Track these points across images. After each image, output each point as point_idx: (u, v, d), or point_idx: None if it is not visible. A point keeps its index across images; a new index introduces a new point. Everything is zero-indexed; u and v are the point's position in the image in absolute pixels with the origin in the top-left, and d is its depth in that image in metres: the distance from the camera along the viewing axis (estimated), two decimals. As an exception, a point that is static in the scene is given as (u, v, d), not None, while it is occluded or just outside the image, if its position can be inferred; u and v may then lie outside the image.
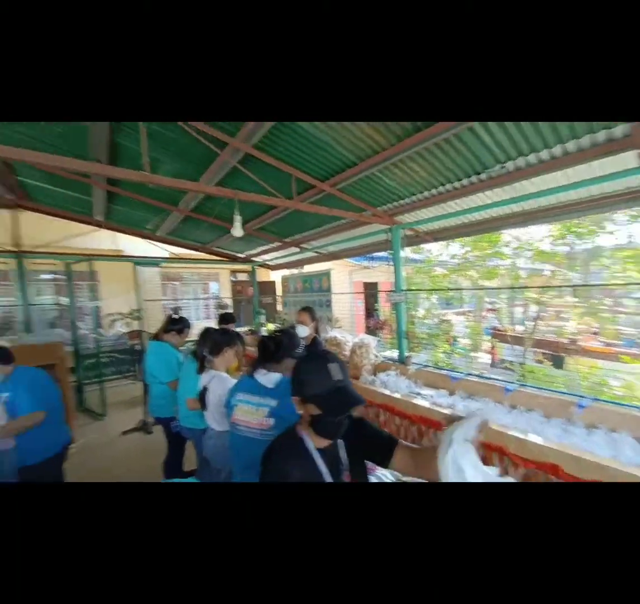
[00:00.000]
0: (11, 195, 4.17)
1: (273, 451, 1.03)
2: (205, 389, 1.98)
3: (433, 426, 2.22)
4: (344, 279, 8.57)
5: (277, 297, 7.82)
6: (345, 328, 4.51)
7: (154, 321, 5.97)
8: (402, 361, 3.61)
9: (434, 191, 2.87)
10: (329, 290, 4.73)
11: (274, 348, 1.57)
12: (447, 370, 3.31)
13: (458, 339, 6.62)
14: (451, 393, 2.74)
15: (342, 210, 3.28)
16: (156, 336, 2.64)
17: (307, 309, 2.70)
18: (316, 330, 2.69)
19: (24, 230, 4.62)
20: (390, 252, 3.95)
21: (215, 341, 2.06)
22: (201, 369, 2.09)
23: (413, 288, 6.14)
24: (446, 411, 2.21)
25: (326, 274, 4.87)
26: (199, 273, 8.53)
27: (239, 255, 7.26)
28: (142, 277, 6.11)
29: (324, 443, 0.99)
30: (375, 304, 6.76)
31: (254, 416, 1.46)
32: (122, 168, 2.36)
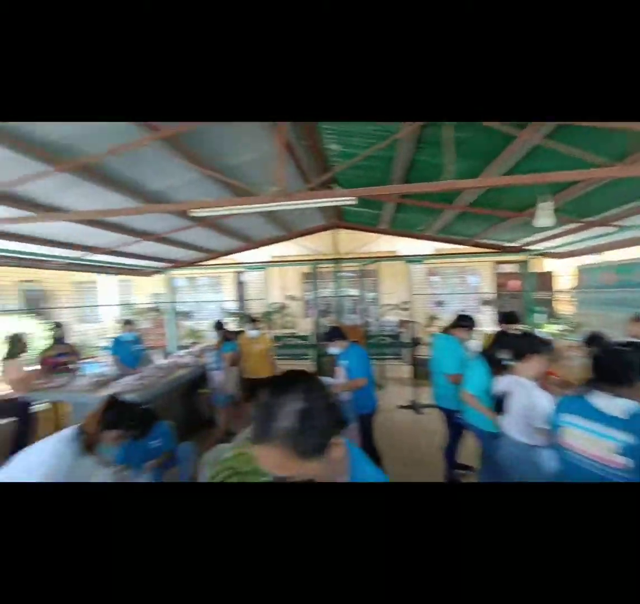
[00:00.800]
0: (334, 219, 5.91)
1: None
2: (504, 394, 1.93)
3: None
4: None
5: (555, 292, 6.36)
6: None
7: (419, 313, 6.59)
8: None
9: None
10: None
11: (619, 367, 1.28)
12: None
13: None
14: None
15: None
16: (446, 330, 2.87)
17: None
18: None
19: (339, 243, 6.49)
20: None
21: (517, 345, 1.95)
22: (497, 371, 2.06)
23: None
24: None
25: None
26: (458, 267, 8.45)
27: (509, 244, 6.48)
28: (411, 273, 6.87)
29: None
30: None
31: (595, 447, 1.25)
32: (424, 183, 2.69)
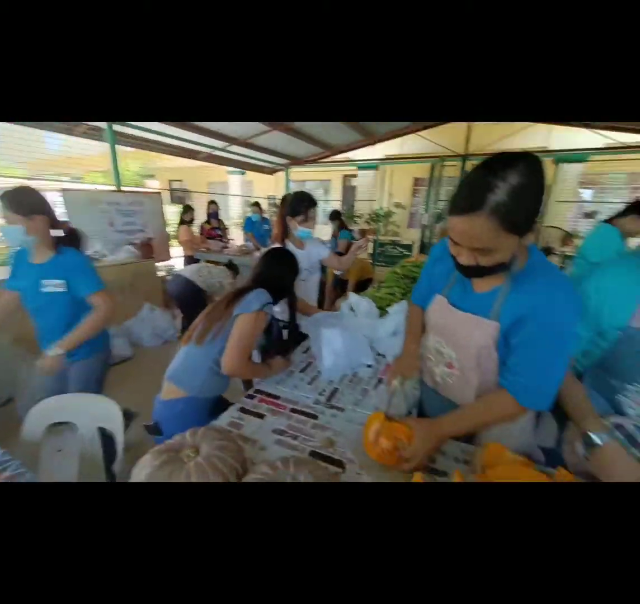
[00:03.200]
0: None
1: None
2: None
3: None
4: None
5: None
6: None
7: (554, 234, 5.52)
8: None
9: None
10: None
11: None
12: None
13: None
14: None
15: None
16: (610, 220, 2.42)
17: None
18: None
19: (472, 137, 5.53)
20: None
21: None
22: None
23: None
24: None
25: None
26: (631, 173, 6.36)
27: None
28: (561, 177, 5.56)
29: None
30: None
31: None
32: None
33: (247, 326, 1.06)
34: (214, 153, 5.22)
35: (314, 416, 0.97)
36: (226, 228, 5.11)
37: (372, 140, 6.15)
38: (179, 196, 10.22)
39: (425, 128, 6.38)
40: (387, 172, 8.02)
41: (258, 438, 0.87)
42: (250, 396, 1.07)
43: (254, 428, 0.91)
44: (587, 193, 6.60)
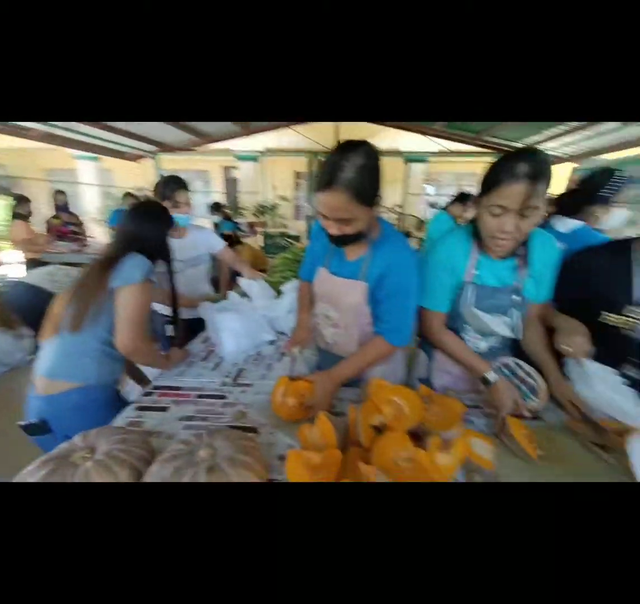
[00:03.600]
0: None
1: None
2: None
3: None
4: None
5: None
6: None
7: (408, 219, 6.66)
8: None
9: None
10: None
11: None
12: None
13: None
14: None
15: None
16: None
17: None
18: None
19: (340, 135, 6.06)
20: None
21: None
22: None
23: None
24: None
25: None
26: (456, 172, 8.21)
27: (514, 143, 6.23)
28: (410, 173, 6.69)
29: None
30: None
31: None
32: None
33: (133, 300, 0.95)
34: (52, 132, 4.24)
35: (223, 397, 0.98)
36: (82, 224, 4.24)
37: (247, 131, 6.08)
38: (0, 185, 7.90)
39: (298, 123, 6.65)
40: (268, 164, 8.08)
41: (163, 429, 0.83)
42: (148, 394, 0.99)
43: (157, 421, 0.86)
44: (430, 188, 8.14)
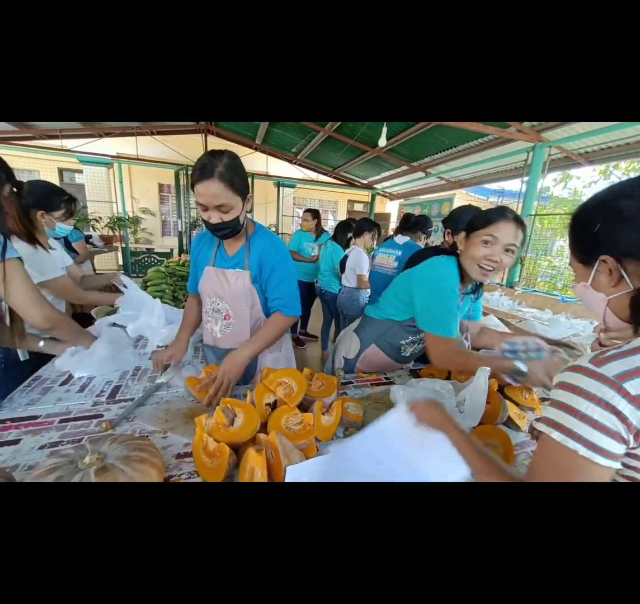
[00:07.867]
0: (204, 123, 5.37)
1: None
2: (346, 258, 2.78)
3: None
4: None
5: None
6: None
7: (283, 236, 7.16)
8: (511, 285, 3.77)
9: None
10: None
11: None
12: (560, 295, 3.37)
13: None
14: (555, 313, 2.92)
15: (484, 125, 3.29)
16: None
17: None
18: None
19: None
20: (526, 178, 3.80)
21: (358, 227, 2.83)
22: (346, 246, 2.89)
23: (544, 220, 5.61)
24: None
25: (449, 200, 4.93)
26: (320, 200, 9.33)
27: (362, 180, 7.62)
28: (282, 196, 7.20)
29: None
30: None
31: (386, 260, 2.27)
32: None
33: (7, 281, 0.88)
34: None
35: (99, 415, 0.87)
36: None
37: (94, 130, 5.34)
38: None
39: (159, 133, 6.26)
40: (125, 172, 7.19)
41: (18, 463, 0.69)
42: (-17, 431, 0.79)
43: (6, 457, 0.71)
44: (299, 211, 8.99)
